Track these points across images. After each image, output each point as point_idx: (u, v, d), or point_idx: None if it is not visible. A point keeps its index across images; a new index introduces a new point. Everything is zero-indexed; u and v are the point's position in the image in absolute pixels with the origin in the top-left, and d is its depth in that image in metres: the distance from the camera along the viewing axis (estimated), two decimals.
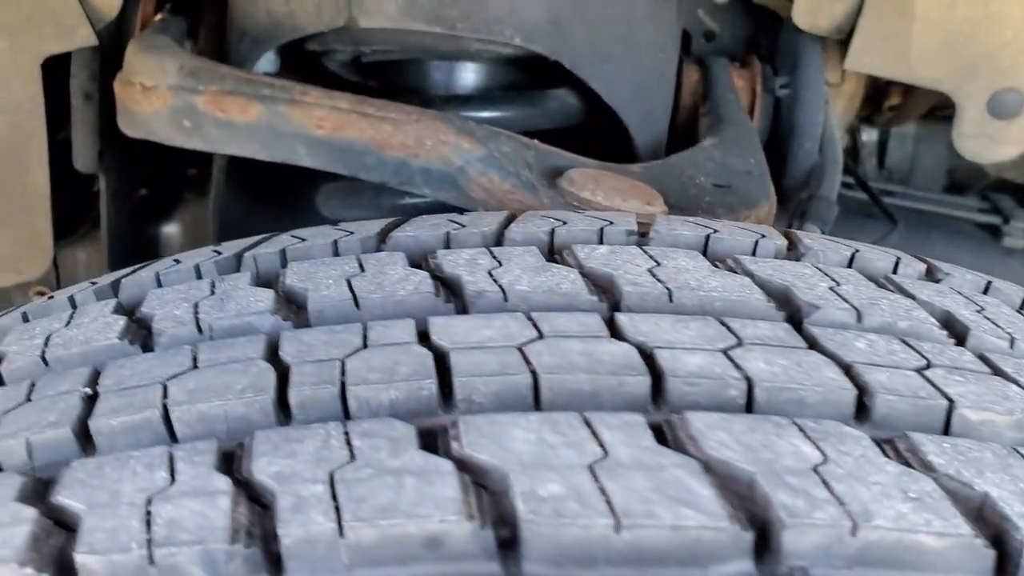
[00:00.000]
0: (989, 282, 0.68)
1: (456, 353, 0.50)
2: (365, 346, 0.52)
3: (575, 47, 1.15)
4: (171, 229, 1.61)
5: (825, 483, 0.42)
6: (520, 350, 0.50)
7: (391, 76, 1.27)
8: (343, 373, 0.49)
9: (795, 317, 0.57)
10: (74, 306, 0.70)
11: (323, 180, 1.27)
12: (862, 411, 0.49)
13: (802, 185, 1.37)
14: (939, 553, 0.40)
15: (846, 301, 0.58)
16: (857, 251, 0.69)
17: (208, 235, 1.40)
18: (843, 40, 1.46)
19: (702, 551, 0.39)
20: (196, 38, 1.39)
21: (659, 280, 0.58)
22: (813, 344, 0.53)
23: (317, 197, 1.30)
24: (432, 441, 0.44)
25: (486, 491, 0.42)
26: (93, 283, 0.74)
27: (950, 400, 0.49)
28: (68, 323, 0.63)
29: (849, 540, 0.39)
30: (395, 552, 0.39)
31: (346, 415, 0.48)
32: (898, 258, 0.69)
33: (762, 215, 1.09)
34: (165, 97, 1.09)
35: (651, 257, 0.62)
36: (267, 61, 1.31)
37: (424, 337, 0.53)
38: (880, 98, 1.87)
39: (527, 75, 1.27)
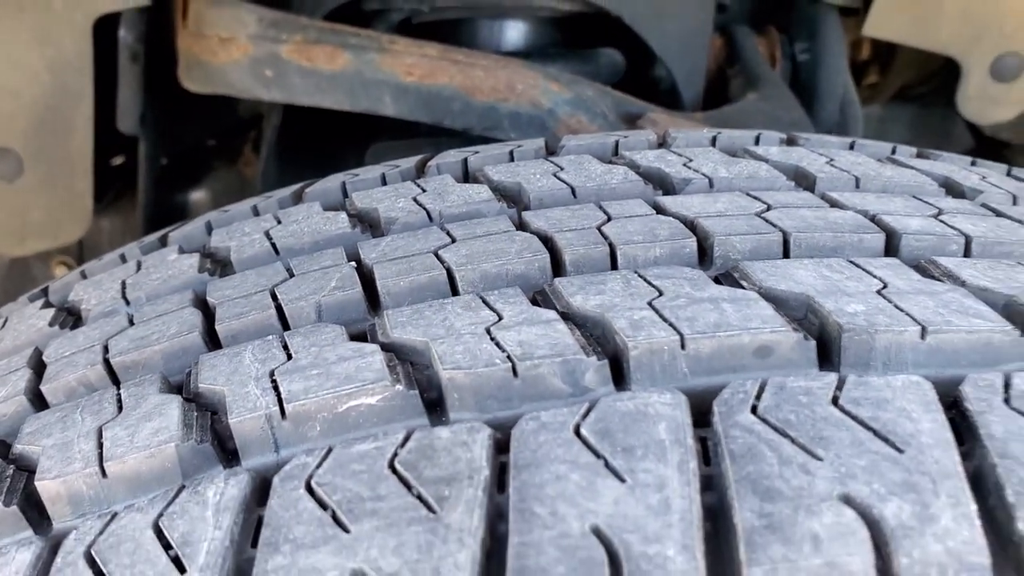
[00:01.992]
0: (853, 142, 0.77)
1: (377, 267, 0.56)
2: (291, 275, 0.58)
3: (634, 3, 1.21)
4: (199, 196, 1.62)
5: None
6: (436, 253, 0.57)
7: (440, 37, 1.31)
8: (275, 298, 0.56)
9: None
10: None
11: (370, 141, 1.30)
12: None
13: None
14: None
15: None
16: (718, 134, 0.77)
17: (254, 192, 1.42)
18: (852, 11, 1.56)
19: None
20: None
21: (562, 180, 0.66)
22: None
23: (366, 156, 1.33)
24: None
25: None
26: None
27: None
28: None
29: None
30: None
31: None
32: (759, 134, 0.77)
33: None
34: (246, 47, 1.11)
35: (556, 164, 0.70)
36: None
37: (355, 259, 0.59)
38: (859, 77, 1.98)
39: (576, 34, 1.33)
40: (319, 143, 1.37)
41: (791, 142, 0.75)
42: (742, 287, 0.50)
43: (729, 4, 1.61)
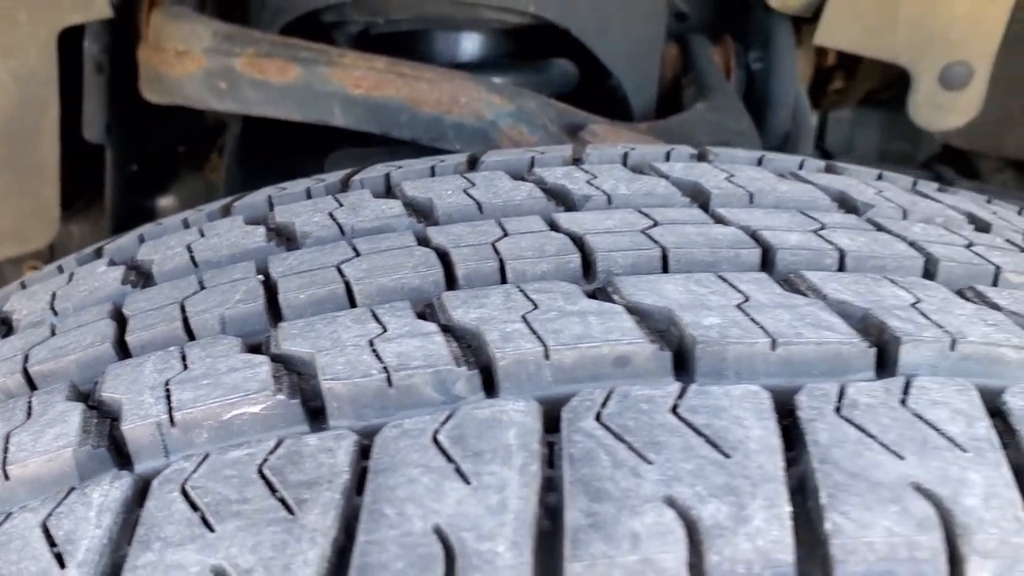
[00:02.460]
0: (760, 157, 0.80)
1: (281, 280, 0.60)
2: (203, 287, 0.62)
3: (581, 15, 1.24)
4: (167, 202, 1.65)
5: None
6: (338, 267, 0.60)
7: (398, 48, 1.34)
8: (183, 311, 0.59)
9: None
10: None
11: (330, 149, 1.34)
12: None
13: (778, 151, 1.49)
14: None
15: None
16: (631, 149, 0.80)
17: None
18: (808, 19, 1.60)
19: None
20: (204, 11, 1.43)
21: (471, 197, 0.69)
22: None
23: (325, 164, 1.36)
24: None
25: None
26: None
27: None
28: None
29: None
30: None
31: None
32: (670, 150, 0.81)
33: None
34: (200, 60, 1.14)
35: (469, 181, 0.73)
36: None
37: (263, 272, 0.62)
38: (825, 82, 2.01)
39: (528, 45, 1.36)
40: (281, 150, 1.40)
41: (701, 157, 0.79)
42: (612, 301, 0.53)
43: (688, 13, 1.64)
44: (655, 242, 0.59)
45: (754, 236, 0.60)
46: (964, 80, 1.51)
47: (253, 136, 1.36)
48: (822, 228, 0.62)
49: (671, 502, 0.40)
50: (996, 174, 2.15)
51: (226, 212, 0.78)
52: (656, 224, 0.62)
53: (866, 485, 0.40)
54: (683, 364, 0.49)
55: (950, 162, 2.17)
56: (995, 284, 0.60)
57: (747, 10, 1.58)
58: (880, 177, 0.80)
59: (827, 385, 0.46)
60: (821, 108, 2.32)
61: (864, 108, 2.36)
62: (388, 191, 0.75)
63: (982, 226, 0.70)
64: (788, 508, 0.40)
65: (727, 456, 0.42)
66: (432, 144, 1.09)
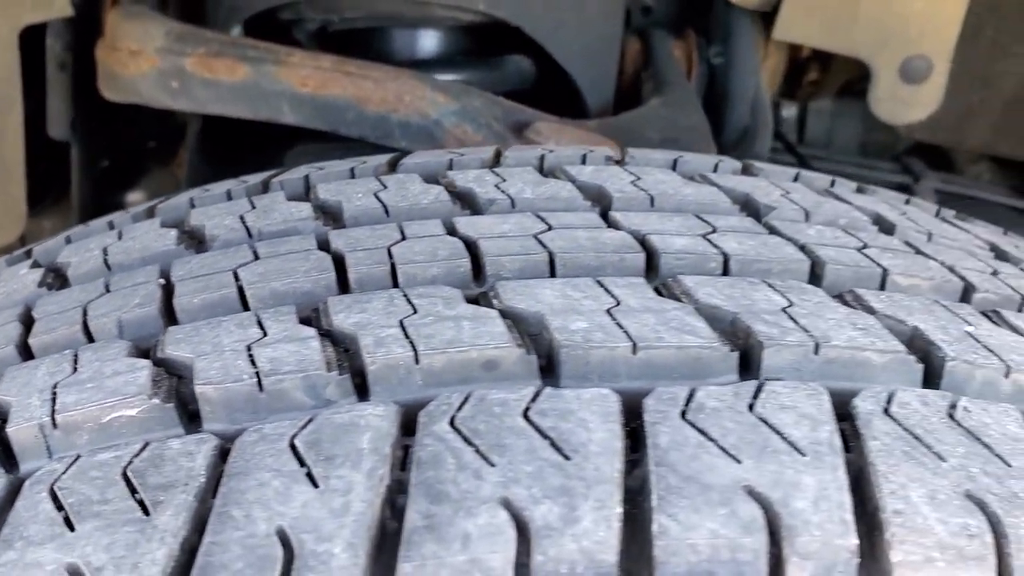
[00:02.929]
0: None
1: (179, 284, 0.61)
2: (108, 291, 0.63)
3: (532, 12, 1.25)
4: (136, 197, 1.67)
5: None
6: (235, 271, 0.61)
7: (356, 45, 1.35)
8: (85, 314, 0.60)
9: None
10: None
11: (292, 144, 1.35)
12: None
13: (736, 145, 1.50)
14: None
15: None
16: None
17: None
18: (768, 14, 1.60)
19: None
20: (165, 11, 1.45)
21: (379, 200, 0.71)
22: None
23: (286, 159, 1.38)
24: None
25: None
26: None
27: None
28: None
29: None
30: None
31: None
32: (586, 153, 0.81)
33: None
34: (152, 60, 1.16)
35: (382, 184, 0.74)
36: (238, 34, 1.38)
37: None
38: (800, 73, 2.02)
39: (484, 42, 1.37)
40: (243, 146, 1.42)
41: (618, 162, 0.80)
42: (491, 306, 0.54)
43: (654, 7, 1.65)
44: (544, 247, 0.60)
45: (642, 241, 0.61)
46: (924, 74, 1.51)
47: (214, 132, 1.37)
48: (713, 232, 0.64)
49: (506, 504, 0.41)
50: (971, 166, 2.16)
51: (150, 214, 0.80)
52: (550, 228, 0.63)
53: (698, 488, 0.42)
54: (551, 368, 0.50)
55: (926, 154, 2.17)
56: (882, 287, 0.61)
57: (710, 5, 1.59)
58: (796, 178, 0.81)
59: (676, 389, 0.47)
60: (797, 100, 2.33)
61: (844, 99, 2.36)
62: (307, 193, 0.77)
63: (886, 227, 0.71)
64: (619, 510, 0.41)
65: (567, 458, 0.43)
66: (380, 142, 1.11)
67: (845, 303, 0.57)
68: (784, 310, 0.54)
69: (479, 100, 1.10)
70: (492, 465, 0.43)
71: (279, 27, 1.37)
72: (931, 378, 0.52)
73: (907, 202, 0.82)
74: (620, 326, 0.51)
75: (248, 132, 1.41)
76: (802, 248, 0.63)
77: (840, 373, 0.51)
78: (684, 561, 0.40)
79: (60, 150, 1.53)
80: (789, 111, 2.46)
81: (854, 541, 0.40)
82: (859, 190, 0.83)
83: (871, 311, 0.56)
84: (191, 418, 0.50)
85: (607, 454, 0.43)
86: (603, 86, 1.38)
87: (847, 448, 0.45)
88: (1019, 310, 0.63)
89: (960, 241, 0.72)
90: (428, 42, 1.33)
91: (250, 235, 0.68)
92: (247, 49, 1.13)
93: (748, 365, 0.51)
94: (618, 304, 0.54)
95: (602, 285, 0.56)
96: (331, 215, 0.70)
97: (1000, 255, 0.73)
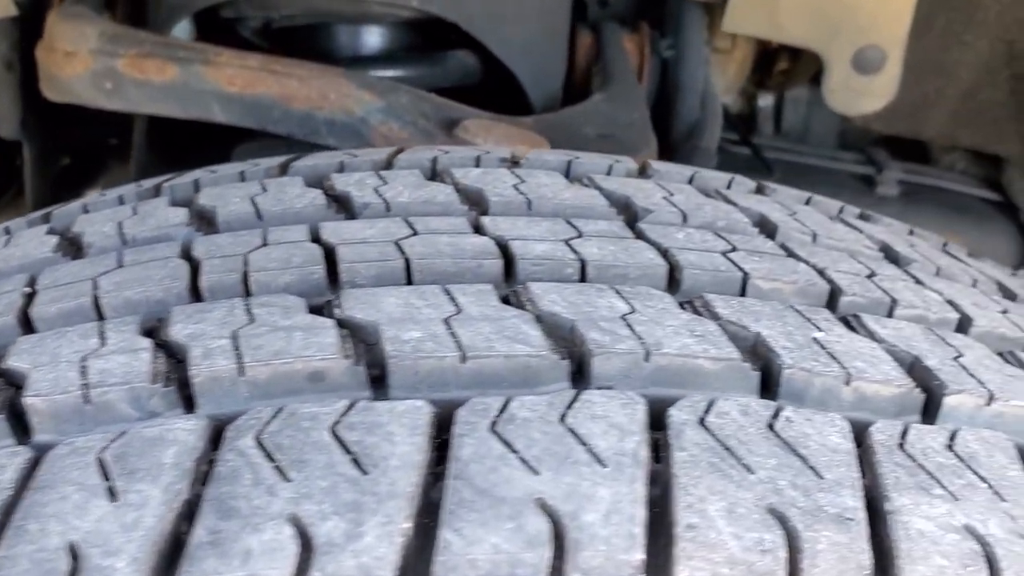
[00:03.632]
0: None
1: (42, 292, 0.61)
2: None
3: (469, 8, 1.25)
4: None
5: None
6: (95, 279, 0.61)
7: (300, 41, 1.35)
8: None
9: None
10: None
11: (239, 141, 1.35)
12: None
13: (687, 137, 1.49)
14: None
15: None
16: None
17: None
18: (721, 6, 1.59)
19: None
20: (114, 10, 1.45)
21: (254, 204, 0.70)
22: None
23: (232, 155, 1.38)
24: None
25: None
26: None
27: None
28: None
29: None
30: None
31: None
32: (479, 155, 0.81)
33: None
34: (87, 61, 1.16)
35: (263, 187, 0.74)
36: (183, 31, 1.38)
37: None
38: (770, 63, 2.00)
39: (429, 37, 1.37)
40: (189, 143, 1.42)
41: (515, 163, 0.80)
42: (332, 315, 0.54)
43: (611, 0, 1.64)
44: (402, 253, 0.60)
45: (504, 247, 0.61)
46: (878, 64, 1.50)
47: (160, 130, 1.38)
48: (577, 237, 0.63)
49: (294, 520, 0.41)
50: (944, 155, 2.14)
51: (46, 220, 0.80)
52: (414, 234, 0.63)
53: (489, 501, 0.42)
54: (382, 378, 0.50)
55: (901, 145, 2.15)
56: (743, 292, 0.61)
57: None
58: (692, 179, 0.80)
59: (491, 399, 0.47)
60: (770, 90, 2.32)
61: (819, 87, 2.34)
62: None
63: (769, 230, 0.71)
64: (407, 525, 0.41)
65: (365, 473, 0.43)
66: (307, 139, 1.11)
67: (694, 309, 0.57)
68: (623, 317, 0.54)
69: (407, 97, 1.10)
70: (288, 481, 0.43)
71: (225, 25, 1.37)
72: (770, 386, 0.52)
73: (807, 202, 0.82)
74: (453, 335, 0.51)
75: (195, 130, 1.41)
76: (664, 253, 0.62)
77: (671, 381, 0.51)
78: None
79: (16, 148, 1.54)
80: (765, 101, 2.44)
81: (640, 556, 0.40)
82: (758, 190, 0.82)
83: (716, 317, 0.56)
84: (25, 430, 0.50)
85: (405, 468, 0.43)
86: (548, 81, 1.37)
87: (658, 459, 0.45)
88: (889, 314, 0.62)
89: (847, 242, 0.72)
90: (368, 39, 1.33)
91: (124, 242, 0.68)
92: (177, 49, 1.13)
93: (583, 373, 0.51)
94: (458, 312, 0.53)
95: (449, 293, 0.56)
96: (207, 220, 0.70)
97: (891, 256, 0.73)
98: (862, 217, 0.82)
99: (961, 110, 1.54)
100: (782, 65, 2.09)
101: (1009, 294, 0.75)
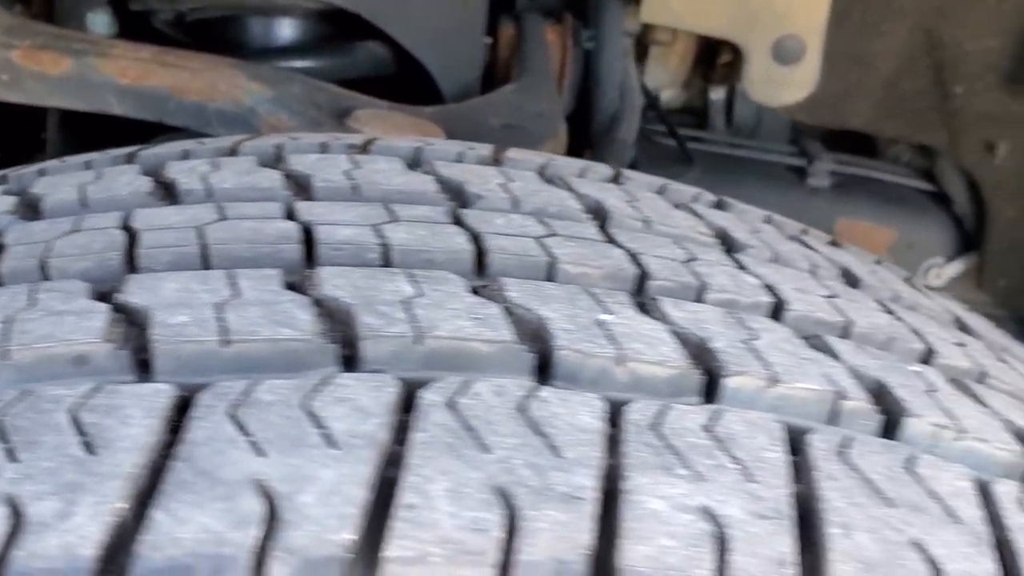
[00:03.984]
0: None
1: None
2: None
3: (374, 1, 1.25)
4: None
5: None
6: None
7: (213, 33, 1.35)
8: None
9: None
10: None
11: (156, 133, 1.35)
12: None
13: (607, 129, 1.49)
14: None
15: None
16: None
17: None
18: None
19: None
20: (30, 3, 1.45)
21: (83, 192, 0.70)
22: None
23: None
24: None
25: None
26: None
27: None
28: None
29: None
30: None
31: None
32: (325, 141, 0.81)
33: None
34: None
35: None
36: (104, 25, 1.38)
37: None
38: (712, 56, 2.00)
39: (344, 28, 1.37)
40: (107, 134, 1.42)
41: (364, 150, 0.80)
42: (110, 301, 0.54)
43: None
44: (200, 239, 0.60)
45: (308, 231, 0.61)
46: (797, 54, 1.50)
47: (73, 122, 1.38)
48: (390, 222, 0.63)
49: (10, 500, 0.41)
50: (890, 147, 2.13)
51: None
52: (224, 219, 0.63)
53: (208, 483, 0.42)
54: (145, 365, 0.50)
55: (848, 137, 2.15)
56: (550, 276, 0.61)
57: None
58: (544, 168, 0.80)
59: (236, 383, 0.47)
60: (716, 84, 2.31)
61: None
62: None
63: (602, 216, 0.71)
64: (121, 505, 0.41)
65: (93, 454, 0.43)
66: (200, 130, 1.11)
67: (486, 294, 0.57)
68: (404, 301, 0.54)
69: (299, 87, 1.10)
70: (15, 462, 0.43)
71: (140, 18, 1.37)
72: (547, 367, 0.52)
73: (660, 191, 0.82)
74: (220, 320, 0.51)
75: (111, 122, 1.41)
76: (475, 238, 0.62)
77: (445, 363, 0.51)
78: (164, 556, 0.40)
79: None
80: (717, 95, 2.44)
81: (347, 536, 0.40)
82: (614, 179, 0.82)
83: (505, 300, 0.56)
84: None
85: (133, 450, 0.43)
86: (461, 72, 1.37)
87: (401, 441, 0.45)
88: (698, 299, 0.62)
89: (681, 229, 0.72)
90: (280, 31, 1.33)
91: None
92: (72, 41, 1.13)
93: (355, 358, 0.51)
94: (233, 297, 0.54)
95: (232, 278, 0.56)
96: (32, 208, 0.70)
97: (727, 243, 0.73)
98: (718, 205, 0.82)
99: (884, 100, 1.54)
100: (725, 58, 2.08)
101: (852, 280, 0.75)
